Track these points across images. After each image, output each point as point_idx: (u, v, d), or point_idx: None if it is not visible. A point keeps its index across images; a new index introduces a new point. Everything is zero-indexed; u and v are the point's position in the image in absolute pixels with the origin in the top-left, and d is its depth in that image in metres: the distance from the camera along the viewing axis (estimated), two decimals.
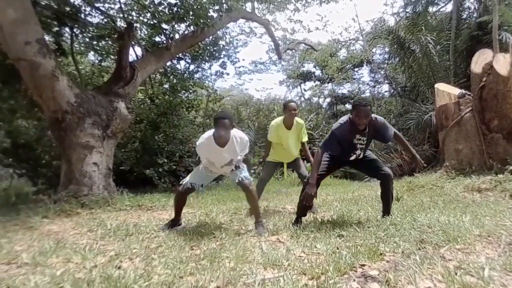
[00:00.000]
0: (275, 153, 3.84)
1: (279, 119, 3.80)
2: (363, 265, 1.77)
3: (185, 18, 6.39)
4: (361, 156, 2.85)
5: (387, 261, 1.81)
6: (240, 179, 2.82)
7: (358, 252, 1.94)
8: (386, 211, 2.94)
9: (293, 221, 2.93)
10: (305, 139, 3.83)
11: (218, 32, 8.05)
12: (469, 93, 5.69)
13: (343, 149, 2.76)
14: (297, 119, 3.77)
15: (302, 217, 2.96)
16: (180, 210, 3.06)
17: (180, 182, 3.00)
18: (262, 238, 2.52)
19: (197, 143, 2.78)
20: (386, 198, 2.91)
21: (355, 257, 1.86)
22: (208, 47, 8.42)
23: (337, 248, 2.08)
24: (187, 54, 8.31)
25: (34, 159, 7.32)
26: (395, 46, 9.34)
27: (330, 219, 3.06)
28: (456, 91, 5.98)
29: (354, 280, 1.58)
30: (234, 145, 2.70)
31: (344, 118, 2.77)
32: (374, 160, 2.90)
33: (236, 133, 2.75)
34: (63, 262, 2.07)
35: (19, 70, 4.54)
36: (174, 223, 3.02)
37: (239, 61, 9.65)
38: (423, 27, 8.43)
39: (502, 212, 2.84)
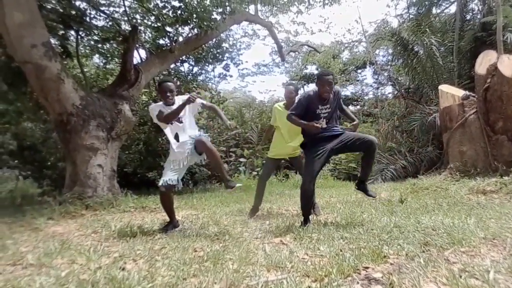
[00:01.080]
0: (274, 146, 3.84)
1: (281, 102, 3.88)
2: (367, 267, 1.76)
3: (189, 21, 6.43)
4: (324, 125, 2.90)
5: (391, 264, 1.80)
6: (197, 138, 2.86)
7: (362, 254, 1.94)
8: (364, 176, 3.01)
9: (302, 222, 2.94)
10: None
11: (222, 34, 8.09)
12: (473, 95, 5.66)
13: (307, 117, 2.93)
14: None
15: (309, 216, 2.99)
16: (171, 210, 3.05)
17: (158, 185, 3.01)
18: (265, 240, 2.52)
19: (150, 107, 3.12)
20: (368, 162, 2.97)
21: (359, 259, 1.85)
22: (211, 50, 8.44)
23: (341, 250, 2.07)
24: (190, 57, 8.35)
25: (40, 161, 7.38)
26: (399, 48, 9.31)
27: (333, 221, 3.06)
28: (460, 92, 5.95)
29: (358, 283, 1.58)
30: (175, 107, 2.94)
31: (309, 91, 3.04)
32: (354, 136, 2.93)
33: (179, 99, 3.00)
34: (68, 263, 2.09)
35: (25, 73, 4.61)
36: (172, 225, 3.03)
37: (242, 63, 9.64)
38: (427, 29, 8.40)
39: (507, 214, 2.82)
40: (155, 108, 2.99)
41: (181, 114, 2.97)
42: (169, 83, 3.01)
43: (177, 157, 2.95)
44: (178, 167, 2.94)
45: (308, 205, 2.98)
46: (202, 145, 2.83)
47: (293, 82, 4.26)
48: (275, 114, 3.80)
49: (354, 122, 3.14)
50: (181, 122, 2.99)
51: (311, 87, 19.24)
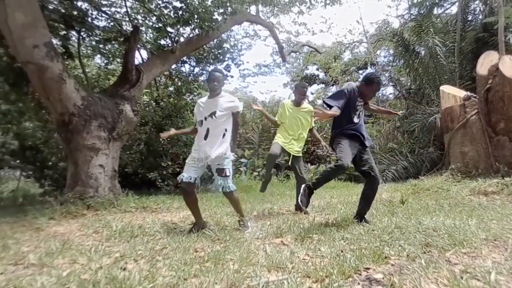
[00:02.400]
0: (279, 137, 3.94)
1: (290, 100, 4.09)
2: (368, 268, 1.76)
3: (190, 21, 6.44)
4: (360, 120, 2.95)
5: (392, 265, 1.80)
6: (223, 189, 2.91)
7: (363, 255, 1.94)
8: (363, 211, 2.97)
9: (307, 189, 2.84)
10: (312, 125, 4.07)
11: (223, 35, 8.09)
12: (475, 96, 5.66)
13: (347, 107, 2.91)
14: (306, 104, 4.01)
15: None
16: (193, 209, 3.00)
17: (178, 181, 2.96)
18: (266, 240, 2.52)
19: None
20: (367, 198, 2.97)
21: (360, 260, 1.85)
22: (212, 50, 8.45)
23: (342, 251, 2.07)
24: (192, 57, 8.36)
25: (41, 161, 7.40)
26: (400, 48, 9.30)
27: (334, 222, 3.06)
28: (461, 93, 5.95)
29: (359, 284, 1.58)
30: (220, 100, 2.95)
31: (352, 84, 2.99)
32: (368, 160, 2.96)
33: (228, 96, 3.03)
34: (69, 263, 2.09)
35: (27, 73, 4.62)
36: (197, 226, 2.96)
37: (243, 63, 9.62)
38: (431, 29, 8.40)
39: (508, 215, 2.81)
40: (202, 98, 3.11)
41: (208, 111, 2.91)
42: (217, 73, 2.99)
43: (198, 155, 2.93)
44: (195, 165, 2.93)
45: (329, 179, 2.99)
46: (228, 198, 3.00)
47: (305, 83, 4.39)
48: (284, 111, 3.94)
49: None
50: (205, 119, 2.94)
51: (312, 87, 19.21)
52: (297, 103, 3.93)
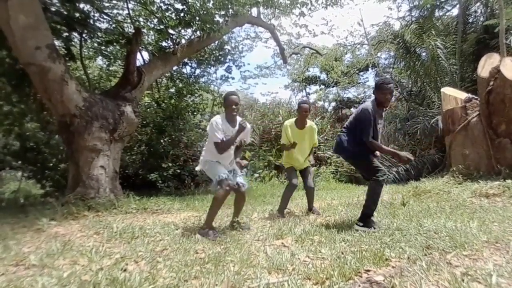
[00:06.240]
0: (288, 159, 3.94)
1: (292, 119, 3.95)
2: (368, 270, 1.76)
3: (191, 23, 6.46)
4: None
5: (393, 267, 1.79)
6: (238, 184, 2.95)
7: (363, 257, 1.93)
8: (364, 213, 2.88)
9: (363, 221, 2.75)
10: (316, 143, 4.01)
11: (224, 37, 8.12)
12: (476, 98, 5.65)
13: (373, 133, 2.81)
14: (310, 123, 3.91)
15: None
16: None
17: (218, 181, 2.76)
18: (266, 242, 2.52)
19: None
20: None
21: (360, 262, 1.85)
22: (213, 52, 8.47)
23: (342, 253, 2.07)
24: (193, 59, 8.39)
25: (42, 162, 7.42)
26: (401, 50, 9.31)
27: (335, 224, 3.05)
28: (462, 95, 5.94)
29: (359, 286, 1.58)
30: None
31: (367, 104, 2.82)
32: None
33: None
34: (70, 264, 2.10)
35: (29, 75, 4.64)
36: (213, 231, 2.86)
37: (244, 65, 9.64)
38: (432, 31, 8.40)
39: (510, 218, 2.80)
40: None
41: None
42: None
43: (224, 163, 3.03)
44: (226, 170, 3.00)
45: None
46: (239, 193, 3.02)
47: (306, 99, 4.37)
48: (288, 133, 3.82)
49: None
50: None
51: (313, 89, 19.21)
52: (300, 126, 3.83)
